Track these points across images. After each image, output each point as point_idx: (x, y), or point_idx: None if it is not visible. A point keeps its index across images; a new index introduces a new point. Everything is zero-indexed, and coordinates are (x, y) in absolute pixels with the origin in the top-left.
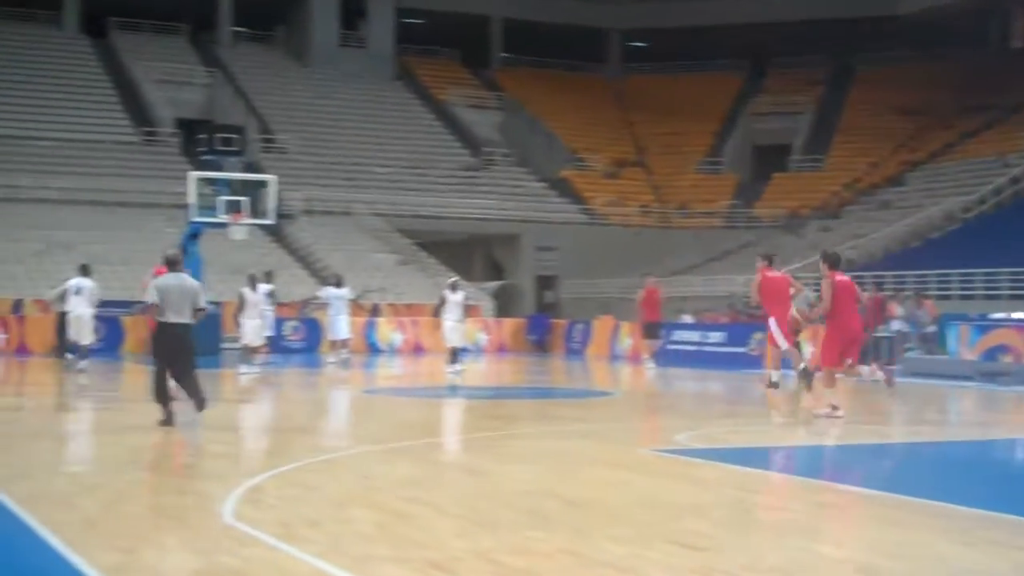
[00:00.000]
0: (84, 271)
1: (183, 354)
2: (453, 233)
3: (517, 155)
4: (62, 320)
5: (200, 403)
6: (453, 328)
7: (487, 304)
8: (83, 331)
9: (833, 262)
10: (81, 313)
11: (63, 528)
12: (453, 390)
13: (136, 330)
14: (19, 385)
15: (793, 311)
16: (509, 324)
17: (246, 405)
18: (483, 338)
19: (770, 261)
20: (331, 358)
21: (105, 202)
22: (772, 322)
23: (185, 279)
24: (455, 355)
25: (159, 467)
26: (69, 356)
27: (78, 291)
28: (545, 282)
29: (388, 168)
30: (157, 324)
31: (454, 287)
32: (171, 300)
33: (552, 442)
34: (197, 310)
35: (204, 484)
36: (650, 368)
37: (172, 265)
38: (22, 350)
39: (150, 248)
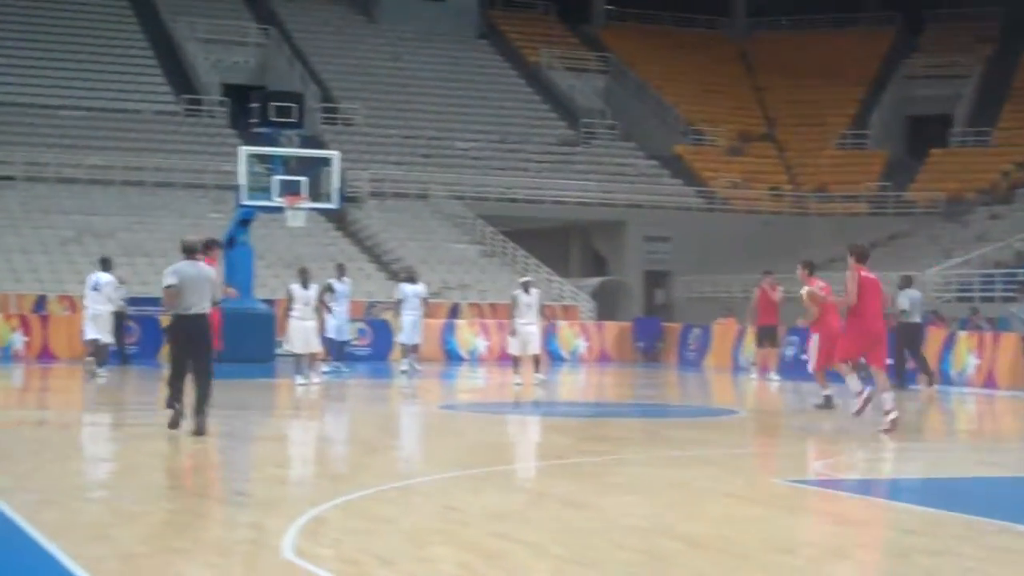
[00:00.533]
0: (104, 265)
1: (202, 347)
2: (546, 220)
3: (623, 128)
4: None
5: (202, 404)
6: (530, 333)
7: (586, 305)
8: (101, 332)
9: (860, 255)
10: (99, 311)
11: (98, 565)
12: (537, 406)
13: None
14: (42, 395)
15: (804, 293)
16: (612, 328)
17: (305, 422)
18: (581, 345)
19: (811, 269)
20: (403, 366)
21: (143, 182)
22: (815, 338)
23: (202, 267)
24: (518, 364)
25: (205, 493)
26: (87, 360)
27: (96, 287)
28: (655, 279)
29: (471, 143)
30: (173, 316)
31: (527, 288)
32: (189, 287)
33: (667, 470)
34: (215, 302)
35: (258, 514)
36: (773, 381)
37: (190, 252)
38: (46, 355)
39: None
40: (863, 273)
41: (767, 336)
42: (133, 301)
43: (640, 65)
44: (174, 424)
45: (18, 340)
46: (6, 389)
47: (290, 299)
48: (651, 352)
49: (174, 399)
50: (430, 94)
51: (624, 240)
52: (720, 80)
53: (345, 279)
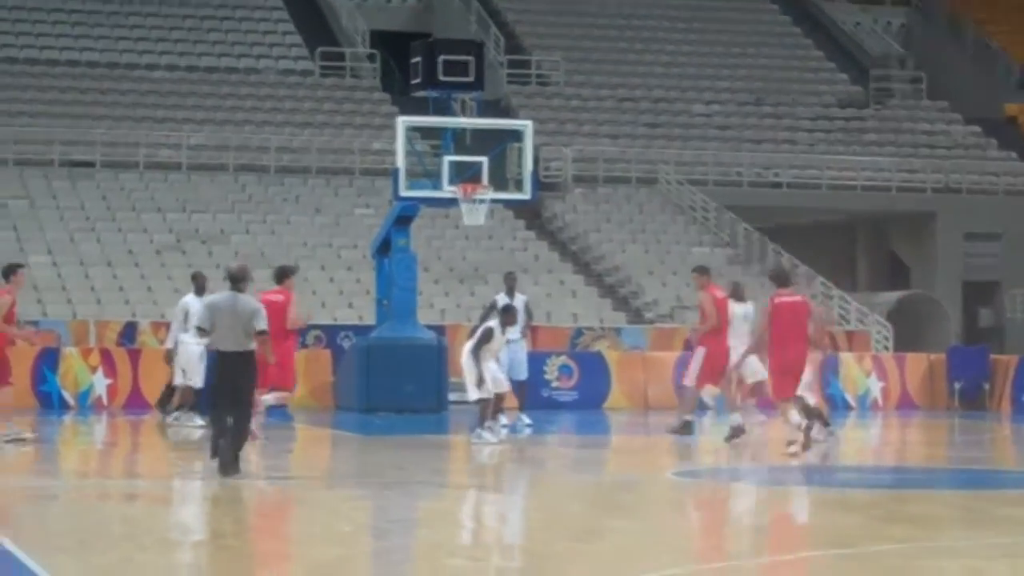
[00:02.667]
0: (197, 286)
1: (240, 389)
2: (823, 212)
3: (932, 82)
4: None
5: (232, 459)
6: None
7: (881, 330)
8: (191, 372)
9: (779, 281)
10: (187, 348)
11: None
12: (814, 473)
13: (314, 372)
14: (131, 458)
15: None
16: (917, 362)
17: (486, 494)
18: (874, 387)
19: (708, 275)
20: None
21: (265, 167)
22: (699, 352)
23: (242, 299)
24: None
25: None
26: (174, 413)
27: (186, 316)
28: (979, 293)
29: (714, 107)
30: (215, 352)
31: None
32: (222, 323)
33: (999, 562)
34: (257, 333)
35: None
36: None
37: (236, 282)
38: (136, 402)
39: (334, 240)
40: (778, 300)
41: None
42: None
43: None
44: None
45: (100, 383)
46: (85, 450)
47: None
48: (974, 395)
49: (219, 452)
50: (657, 40)
51: (934, 239)
52: None
53: (519, 295)
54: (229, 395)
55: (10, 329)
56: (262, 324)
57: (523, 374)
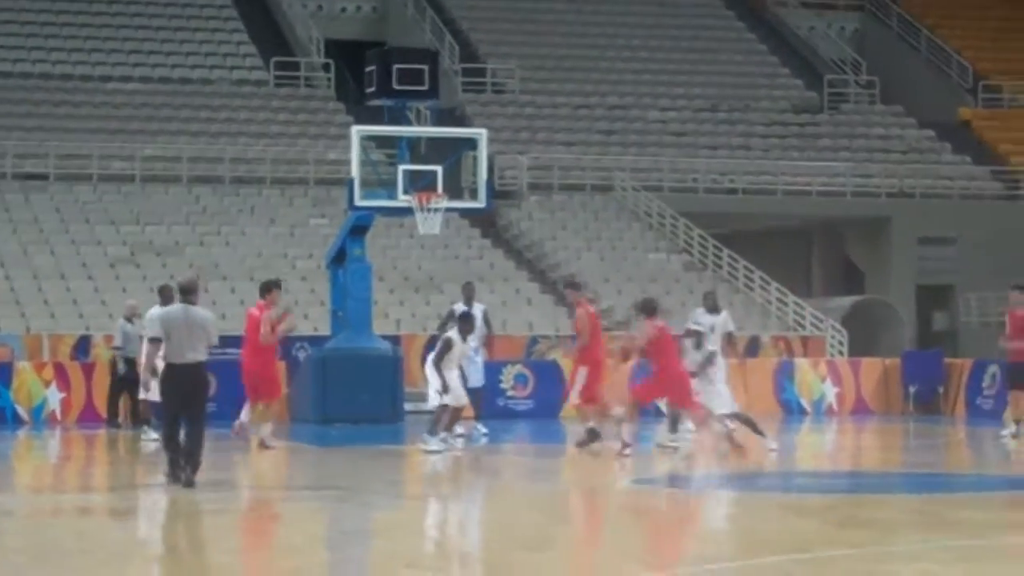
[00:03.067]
0: (164, 298)
1: (196, 399)
2: (778, 218)
3: (886, 87)
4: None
5: (192, 467)
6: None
7: (835, 335)
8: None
9: (648, 311)
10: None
11: None
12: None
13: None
14: (86, 472)
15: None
16: (872, 367)
17: (442, 504)
18: (829, 392)
19: (579, 290)
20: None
21: (220, 178)
22: (582, 371)
23: (193, 311)
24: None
25: None
26: (146, 428)
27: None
28: (934, 297)
29: (669, 114)
30: (165, 364)
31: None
32: (176, 334)
33: (953, 567)
34: (212, 346)
35: None
36: (1008, 436)
37: (186, 294)
38: (89, 416)
39: (289, 251)
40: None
41: (1017, 375)
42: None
43: None
44: (174, 480)
45: (53, 397)
46: (39, 465)
47: (445, 341)
48: (928, 400)
49: (174, 467)
50: (612, 47)
51: (888, 243)
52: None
53: (477, 304)
54: (182, 407)
55: None
56: (215, 337)
57: (479, 382)
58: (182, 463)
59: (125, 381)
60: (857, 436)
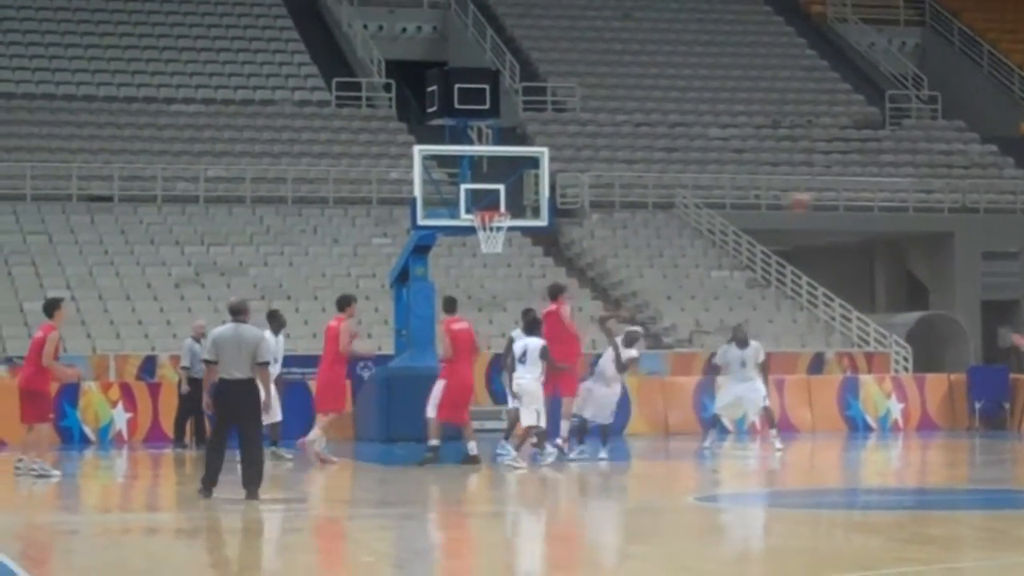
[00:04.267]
0: (273, 323)
1: (246, 414)
2: (840, 234)
3: (947, 102)
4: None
5: (254, 480)
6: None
7: (900, 351)
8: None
9: (449, 307)
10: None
11: None
12: (831, 495)
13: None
14: (153, 491)
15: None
16: (936, 383)
17: (509, 522)
18: (894, 408)
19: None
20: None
21: (283, 198)
22: (440, 385)
23: (244, 329)
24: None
25: None
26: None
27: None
28: (999, 312)
29: (730, 131)
30: (218, 380)
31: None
32: (227, 354)
33: None
34: (258, 364)
35: None
36: None
37: (236, 315)
38: (155, 436)
39: (352, 271)
40: (454, 325)
41: None
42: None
43: (970, 12)
44: (205, 494)
45: (120, 417)
46: (106, 484)
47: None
48: (994, 415)
49: (208, 481)
50: (672, 65)
51: (952, 259)
52: None
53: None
54: (233, 422)
55: (54, 366)
56: (264, 356)
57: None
58: (244, 482)
59: (191, 401)
60: (923, 452)
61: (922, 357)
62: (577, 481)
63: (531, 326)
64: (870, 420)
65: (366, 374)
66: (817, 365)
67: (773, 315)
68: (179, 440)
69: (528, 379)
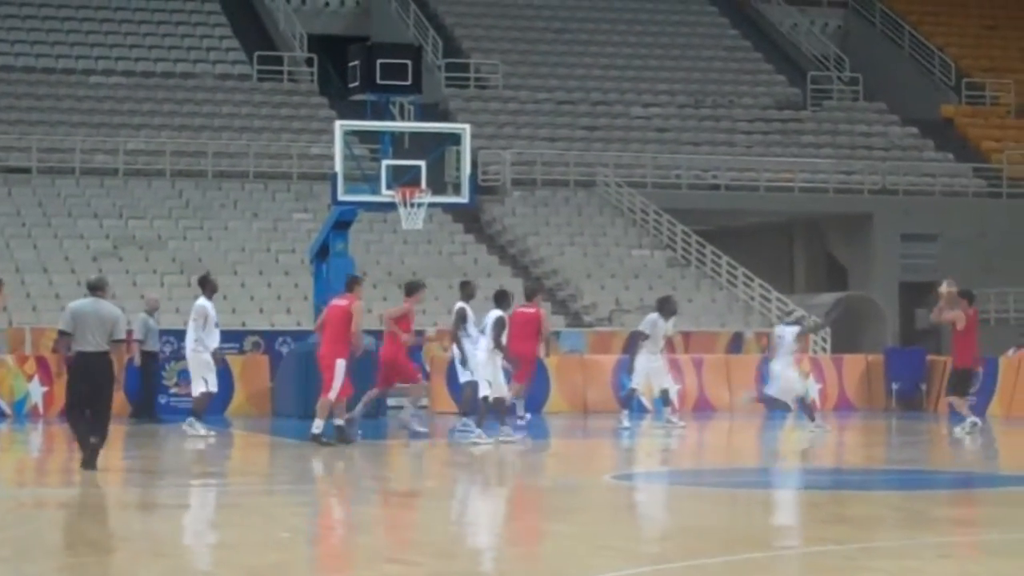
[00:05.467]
0: (205, 287)
1: (101, 388)
2: (760, 214)
3: (869, 84)
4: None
5: (94, 450)
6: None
7: (818, 332)
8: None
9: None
10: (201, 356)
11: None
12: (751, 475)
13: (252, 378)
14: (68, 467)
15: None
16: (855, 364)
17: (424, 499)
18: (812, 387)
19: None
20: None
21: (203, 172)
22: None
23: (103, 305)
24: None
25: None
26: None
27: (205, 320)
28: (916, 294)
29: (652, 110)
30: (73, 354)
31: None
32: (86, 327)
33: (934, 564)
34: (114, 341)
35: None
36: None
37: (94, 290)
38: None
39: (272, 245)
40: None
41: (959, 381)
42: (183, 335)
43: None
44: (88, 465)
45: (36, 392)
46: (20, 458)
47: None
48: (911, 397)
49: (85, 450)
50: (595, 43)
51: (871, 240)
52: (1008, 13)
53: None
54: (88, 393)
55: None
56: (120, 333)
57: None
58: (88, 444)
59: (148, 375)
60: (840, 433)
61: (840, 338)
62: (495, 460)
63: (500, 298)
64: (787, 399)
65: (284, 350)
66: (736, 345)
67: (693, 295)
68: (152, 415)
69: (482, 351)
